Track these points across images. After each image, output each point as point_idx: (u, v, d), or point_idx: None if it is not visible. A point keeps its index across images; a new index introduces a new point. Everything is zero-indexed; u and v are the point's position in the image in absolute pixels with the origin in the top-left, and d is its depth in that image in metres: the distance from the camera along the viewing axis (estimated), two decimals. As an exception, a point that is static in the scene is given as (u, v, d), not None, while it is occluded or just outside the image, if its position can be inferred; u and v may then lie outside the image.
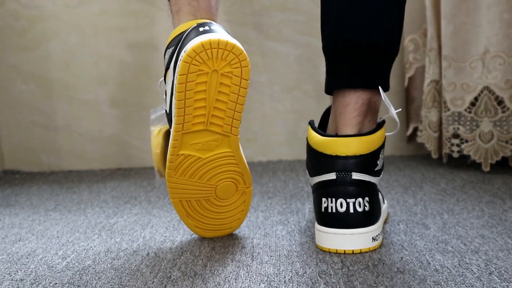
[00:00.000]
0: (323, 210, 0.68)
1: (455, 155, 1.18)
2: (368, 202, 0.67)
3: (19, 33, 1.36)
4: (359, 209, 0.66)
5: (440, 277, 0.59)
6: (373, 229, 0.67)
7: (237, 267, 0.65)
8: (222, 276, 0.62)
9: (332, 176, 0.68)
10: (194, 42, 0.64)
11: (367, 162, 0.68)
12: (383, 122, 0.72)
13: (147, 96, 1.39)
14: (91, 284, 0.61)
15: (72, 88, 1.39)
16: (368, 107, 0.71)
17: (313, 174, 0.71)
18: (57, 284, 0.62)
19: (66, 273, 0.65)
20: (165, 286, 0.60)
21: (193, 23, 0.68)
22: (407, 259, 0.65)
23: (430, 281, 0.58)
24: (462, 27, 1.14)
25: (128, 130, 1.40)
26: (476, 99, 1.14)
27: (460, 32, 1.14)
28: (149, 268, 0.66)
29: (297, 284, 0.59)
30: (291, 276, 0.61)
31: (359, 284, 0.58)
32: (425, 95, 1.23)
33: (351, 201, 0.66)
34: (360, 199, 0.67)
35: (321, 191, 0.69)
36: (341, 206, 0.66)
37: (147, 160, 1.40)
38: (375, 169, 0.69)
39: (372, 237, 0.67)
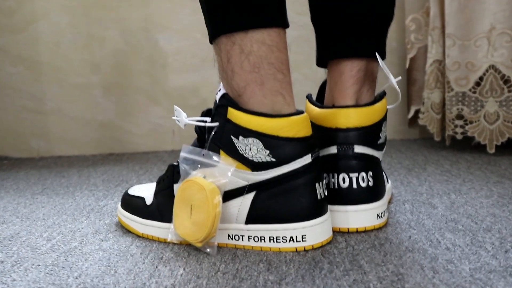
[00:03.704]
0: (325, 186, 0.64)
1: (459, 137, 1.14)
2: (372, 177, 0.63)
3: (6, 13, 1.31)
4: (363, 184, 0.62)
5: (453, 256, 0.54)
6: (378, 206, 0.63)
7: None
8: (218, 257, 0.58)
9: (333, 149, 0.63)
10: (319, 236, 0.58)
11: (369, 134, 0.63)
12: (384, 93, 0.67)
13: (140, 80, 1.34)
14: (77, 265, 0.57)
15: (63, 71, 1.34)
16: (365, 74, 0.66)
17: (313, 149, 0.67)
18: (40, 266, 0.57)
19: (51, 255, 0.61)
20: (156, 267, 0.55)
21: (295, 132, 0.57)
22: (416, 237, 0.60)
23: (443, 259, 0.53)
24: (467, 4, 1.09)
25: (121, 114, 1.35)
26: (481, 78, 1.10)
27: (465, 9, 1.10)
28: (140, 249, 0.61)
29: (299, 263, 0.54)
30: (292, 256, 0.57)
31: (366, 263, 0.53)
32: (427, 75, 1.19)
33: (354, 175, 0.62)
34: (363, 174, 0.62)
35: (322, 166, 0.64)
36: (344, 181, 0.62)
37: (140, 145, 1.35)
38: (378, 142, 0.65)
39: (377, 214, 0.63)
